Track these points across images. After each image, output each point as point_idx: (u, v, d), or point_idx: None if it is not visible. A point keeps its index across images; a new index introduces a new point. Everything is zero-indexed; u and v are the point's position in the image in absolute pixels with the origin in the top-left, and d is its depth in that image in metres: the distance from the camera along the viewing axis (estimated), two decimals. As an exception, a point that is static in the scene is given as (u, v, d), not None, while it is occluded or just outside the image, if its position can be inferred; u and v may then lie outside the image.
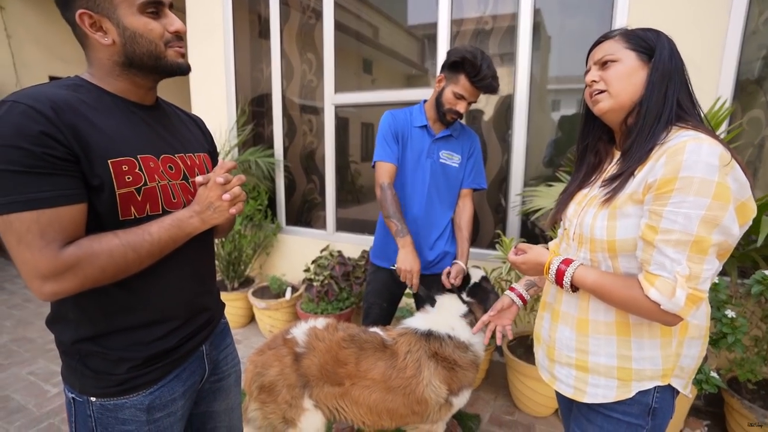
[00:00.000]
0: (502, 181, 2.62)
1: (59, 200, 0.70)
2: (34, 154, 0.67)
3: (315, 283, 2.77)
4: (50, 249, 0.69)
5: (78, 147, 0.72)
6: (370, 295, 1.96)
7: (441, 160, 1.80)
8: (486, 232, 2.73)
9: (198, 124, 1.08)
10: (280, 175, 3.36)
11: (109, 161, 0.76)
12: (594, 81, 0.93)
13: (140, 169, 0.81)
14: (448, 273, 1.72)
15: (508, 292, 1.30)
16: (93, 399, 0.84)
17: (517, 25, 2.38)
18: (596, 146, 1.03)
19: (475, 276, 1.74)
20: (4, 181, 0.67)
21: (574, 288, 0.94)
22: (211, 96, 3.48)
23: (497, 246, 2.19)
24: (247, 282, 3.33)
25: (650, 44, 0.88)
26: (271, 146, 3.39)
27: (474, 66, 1.57)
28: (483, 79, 1.59)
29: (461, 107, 1.67)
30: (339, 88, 3.03)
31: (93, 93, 0.81)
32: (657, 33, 0.90)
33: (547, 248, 1.06)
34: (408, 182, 1.82)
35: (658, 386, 0.90)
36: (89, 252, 0.72)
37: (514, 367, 2.16)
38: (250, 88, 3.46)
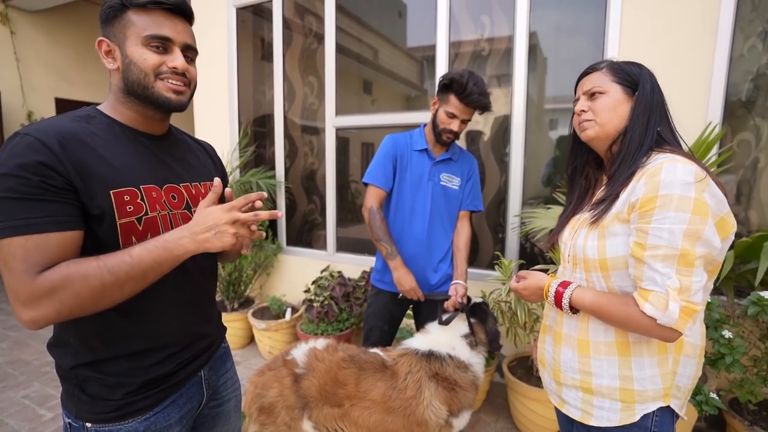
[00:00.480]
0: (500, 201, 2.65)
1: (47, 226, 0.70)
2: (31, 182, 0.69)
3: (315, 304, 2.77)
4: (28, 274, 0.69)
5: (79, 179, 0.74)
6: (371, 318, 1.97)
7: (442, 183, 1.85)
8: (485, 252, 2.75)
9: (208, 152, 1.10)
10: (281, 195, 3.40)
11: (111, 192, 0.78)
12: (583, 110, 1.00)
13: (142, 199, 0.83)
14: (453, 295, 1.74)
15: None
16: (88, 425, 0.84)
17: (513, 47, 2.46)
18: (585, 170, 1.10)
19: (475, 298, 1.76)
20: (1, 208, 0.69)
21: (574, 310, 0.97)
22: (215, 117, 3.54)
23: (496, 267, 2.20)
24: (247, 302, 3.33)
25: (634, 78, 0.96)
26: (272, 167, 3.44)
27: (460, 84, 1.65)
28: (470, 95, 1.66)
29: (455, 126, 1.74)
30: (340, 108, 3.09)
31: (104, 124, 0.84)
32: (640, 67, 0.97)
33: (547, 272, 1.09)
34: (410, 205, 1.85)
35: (659, 408, 0.91)
36: (64, 275, 0.70)
37: (515, 389, 2.14)
38: (253, 110, 3.53)
